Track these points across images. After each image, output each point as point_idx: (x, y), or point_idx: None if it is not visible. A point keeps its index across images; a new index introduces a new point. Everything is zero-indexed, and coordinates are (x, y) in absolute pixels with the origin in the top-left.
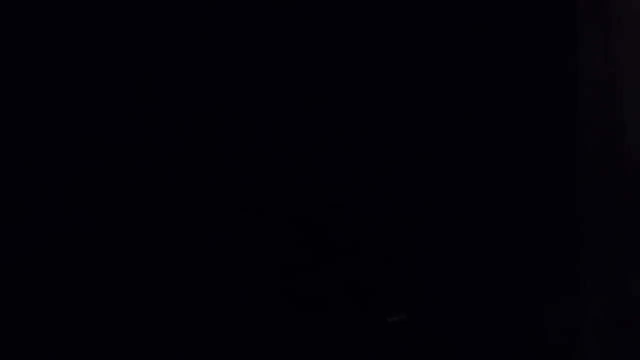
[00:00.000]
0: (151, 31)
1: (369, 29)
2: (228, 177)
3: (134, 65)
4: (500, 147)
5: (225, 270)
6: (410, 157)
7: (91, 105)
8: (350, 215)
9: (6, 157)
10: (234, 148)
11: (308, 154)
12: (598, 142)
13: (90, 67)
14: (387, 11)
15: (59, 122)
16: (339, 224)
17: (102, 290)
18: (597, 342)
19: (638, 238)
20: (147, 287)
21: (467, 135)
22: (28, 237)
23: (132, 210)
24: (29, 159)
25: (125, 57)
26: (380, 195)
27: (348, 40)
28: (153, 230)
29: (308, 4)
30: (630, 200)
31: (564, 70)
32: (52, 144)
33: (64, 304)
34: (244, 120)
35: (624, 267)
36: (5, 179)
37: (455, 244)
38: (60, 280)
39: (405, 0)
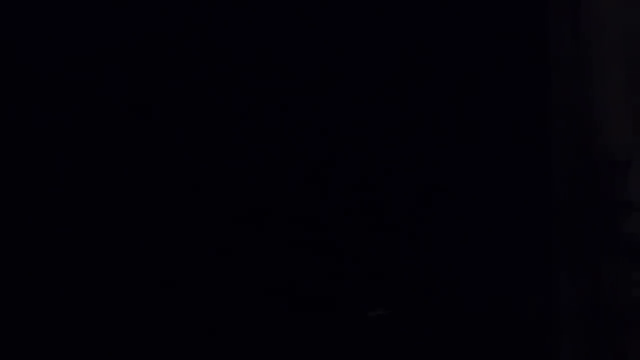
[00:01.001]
0: (151, 31)
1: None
2: (225, 176)
3: (134, 65)
4: (476, 142)
5: (220, 269)
6: (386, 152)
7: (93, 105)
8: (333, 211)
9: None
10: (232, 148)
11: (291, 149)
12: (571, 137)
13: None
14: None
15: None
16: (323, 220)
17: (103, 290)
18: (569, 336)
19: (610, 233)
20: (147, 287)
21: (445, 131)
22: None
23: (132, 210)
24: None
25: (125, 57)
26: (358, 188)
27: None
28: (152, 230)
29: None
30: (603, 195)
31: (537, 64)
32: (52, 143)
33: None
34: (243, 121)
35: (596, 261)
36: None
37: (431, 240)
38: (61, 280)
39: None
